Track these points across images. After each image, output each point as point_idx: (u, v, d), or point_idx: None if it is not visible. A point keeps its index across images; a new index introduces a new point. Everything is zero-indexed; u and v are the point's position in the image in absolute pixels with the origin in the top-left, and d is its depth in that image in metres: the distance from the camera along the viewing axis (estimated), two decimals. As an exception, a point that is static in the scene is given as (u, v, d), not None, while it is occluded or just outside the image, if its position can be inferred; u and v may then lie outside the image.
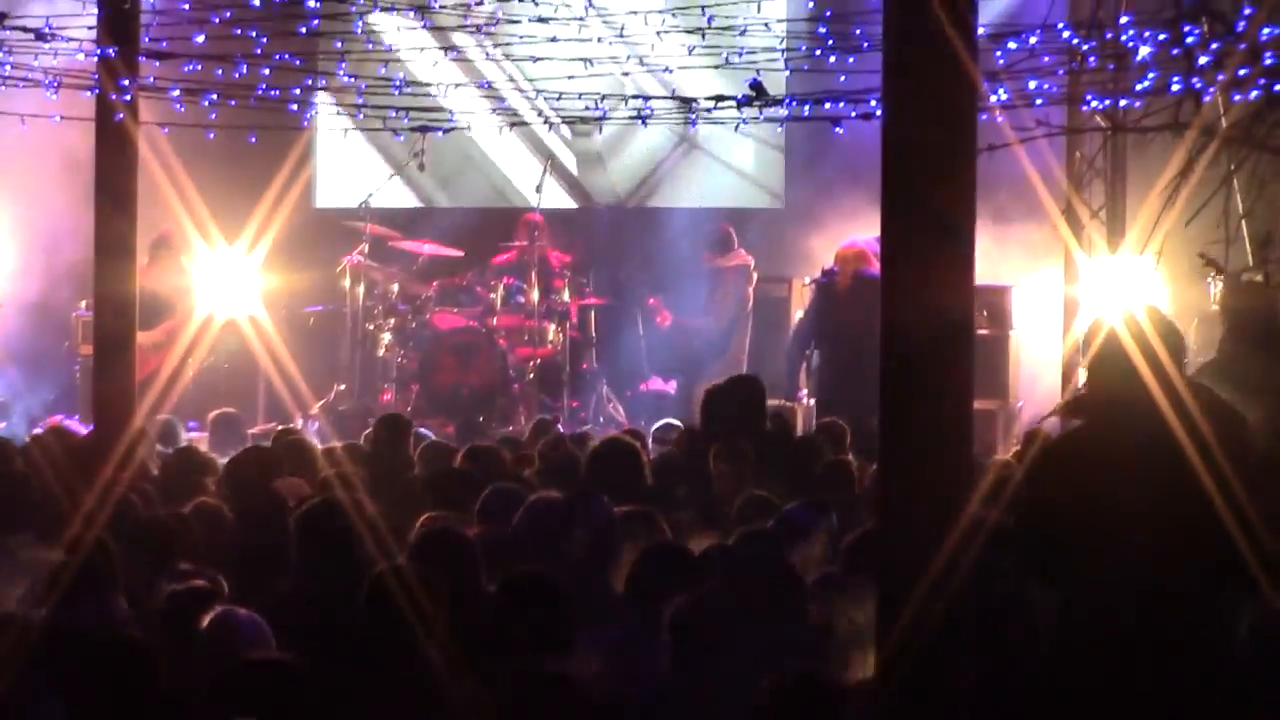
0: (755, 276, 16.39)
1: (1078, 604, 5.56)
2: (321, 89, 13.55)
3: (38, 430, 13.22)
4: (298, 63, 12.91)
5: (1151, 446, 5.55)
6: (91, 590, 6.69)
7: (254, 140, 13.19)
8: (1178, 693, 5.51)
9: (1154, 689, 5.51)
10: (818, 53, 12.89)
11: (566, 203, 17.66)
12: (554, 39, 12.67)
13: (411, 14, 13.16)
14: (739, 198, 17.86)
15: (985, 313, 14.91)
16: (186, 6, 12.74)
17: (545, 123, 13.88)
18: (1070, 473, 5.60)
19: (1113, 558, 5.51)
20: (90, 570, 6.79)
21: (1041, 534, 5.61)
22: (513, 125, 14.21)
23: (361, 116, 13.59)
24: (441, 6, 13.24)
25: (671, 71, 13.23)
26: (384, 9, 13.22)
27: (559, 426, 12.59)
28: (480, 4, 12.83)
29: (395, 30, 13.84)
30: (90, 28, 11.80)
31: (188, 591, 6.46)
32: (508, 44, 12.89)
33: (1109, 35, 12.42)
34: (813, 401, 14.89)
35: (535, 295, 15.88)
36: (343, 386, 16.05)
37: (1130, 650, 5.51)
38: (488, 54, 13.29)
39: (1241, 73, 11.13)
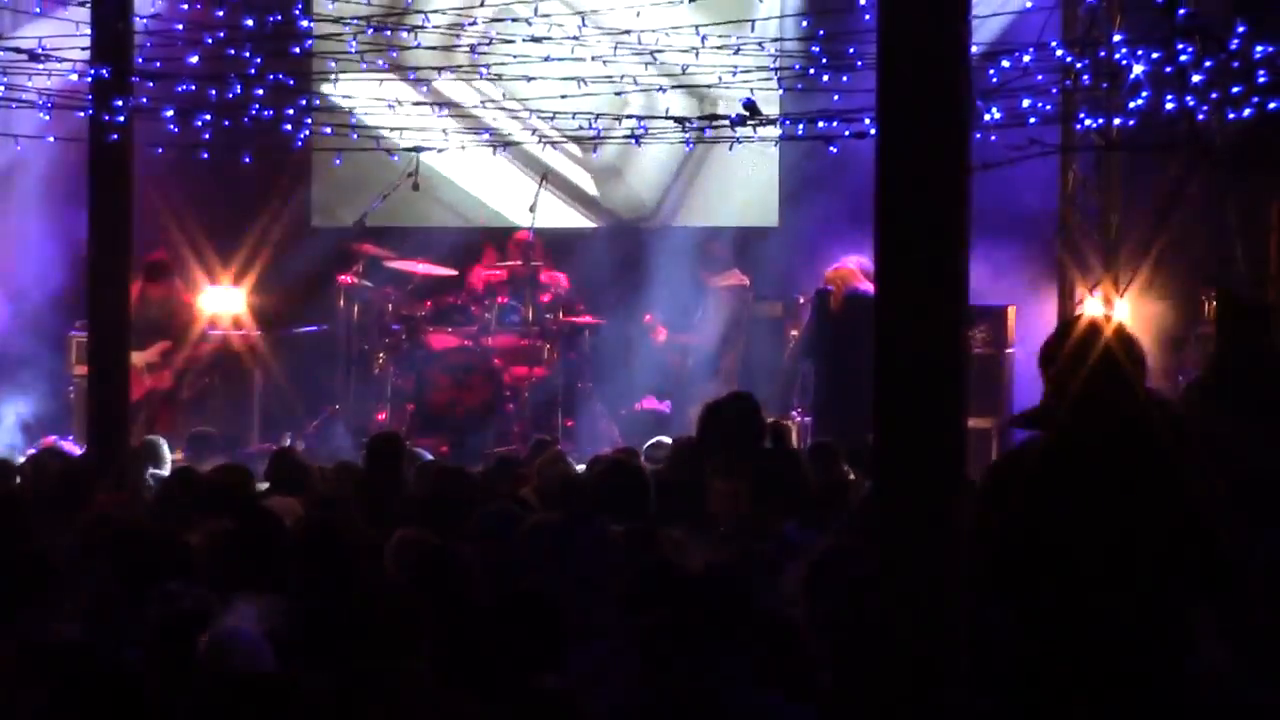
0: (751, 295, 16.40)
1: (1035, 617, 5.54)
2: (315, 109, 13.55)
3: (32, 450, 13.23)
4: (291, 83, 12.92)
5: (1110, 457, 5.56)
6: (64, 606, 6.70)
7: (248, 160, 13.19)
8: (1136, 707, 5.51)
9: (1112, 705, 5.52)
10: (811, 71, 12.91)
11: (565, 222, 17.62)
12: (548, 59, 12.68)
13: (405, 34, 13.16)
14: (734, 216, 17.84)
15: (983, 332, 14.91)
16: (180, 27, 12.76)
17: (540, 142, 13.87)
18: (1027, 484, 5.57)
19: (1071, 571, 5.53)
20: (68, 586, 6.80)
21: (998, 547, 5.59)
22: (506, 145, 14.20)
23: (355, 136, 13.58)
24: (435, 27, 13.25)
25: (665, 90, 13.22)
26: (377, 29, 13.21)
27: (558, 447, 12.56)
28: (474, 24, 12.84)
29: (389, 54, 13.84)
30: (84, 48, 11.81)
31: (181, 610, 6.44)
32: (502, 64, 12.89)
33: (1102, 53, 12.45)
34: (806, 419, 14.90)
35: (530, 314, 15.87)
36: (337, 406, 16.04)
37: (1089, 666, 5.51)
38: (481, 74, 13.27)
39: (1235, 90, 11.16)
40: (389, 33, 13.53)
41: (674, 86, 13.14)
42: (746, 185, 17.67)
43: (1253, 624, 5.86)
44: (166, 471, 11.43)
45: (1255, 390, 8.61)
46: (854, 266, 14.41)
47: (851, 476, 10.35)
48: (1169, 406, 5.86)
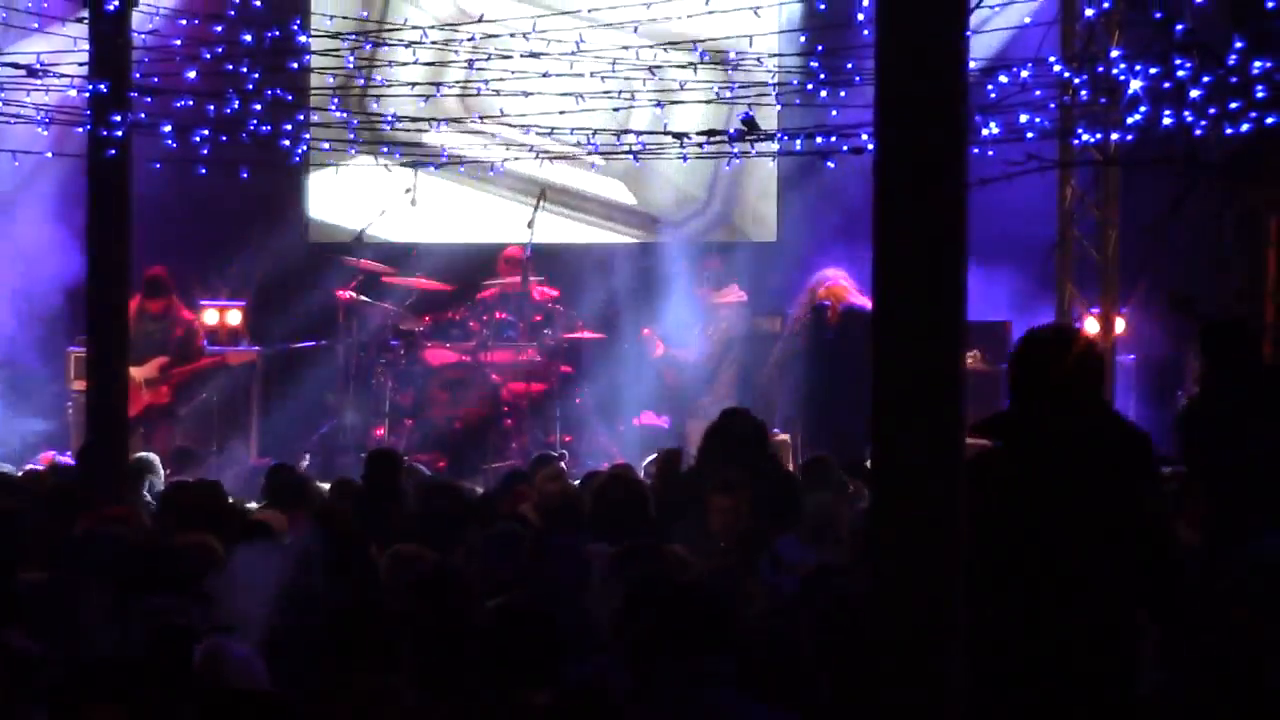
0: (749, 312, 16.40)
1: (986, 627, 5.56)
2: (313, 124, 13.53)
3: (31, 465, 13.21)
4: (289, 98, 12.91)
5: (1060, 469, 5.60)
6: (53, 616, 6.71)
7: (246, 175, 13.17)
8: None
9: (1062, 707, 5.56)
10: (809, 87, 12.90)
11: (565, 238, 17.58)
12: (546, 74, 12.67)
13: (404, 47, 13.15)
14: (732, 232, 17.85)
15: (981, 348, 14.92)
16: (178, 42, 12.75)
17: (538, 158, 13.86)
18: (977, 495, 5.58)
19: (1019, 581, 5.57)
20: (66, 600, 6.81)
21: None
22: (504, 161, 14.18)
23: (354, 151, 13.57)
24: (433, 42, 13.24)
25: (664, 106, 13.20)
26: (375, 44, 13.21)
27: (562, 464, 12.55)
28: (472, 39, 12.83)
29: (388, 66, 13.84)
30: (82, 64, 11.81)
31: (171, 625, 6.43)
32: (500, 79, 12.88)
33: (1100, 69, 12.45)
34: (784, 435, 14.87)
35: (527, 329, 15.87)
36: (335, 421, 16.03)
37: (1037, 677, 5.55)
38: (479, 90, 13.25)
39: (1232, 106, 11.15)
40: (387, 46, 13.53)
41: (672, 102, 13.13)
42: (745, 200, 17.69)
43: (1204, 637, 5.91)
44: (161, 487, 11.44)
45: (1245, 406, 8.64)
46: (845, 282, 14.44)
47: (850, 488, 10.37)
48: (1122, 419, 5.93)
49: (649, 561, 7.47)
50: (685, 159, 13.36)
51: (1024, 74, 12.16)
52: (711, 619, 5.68)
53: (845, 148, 12.29)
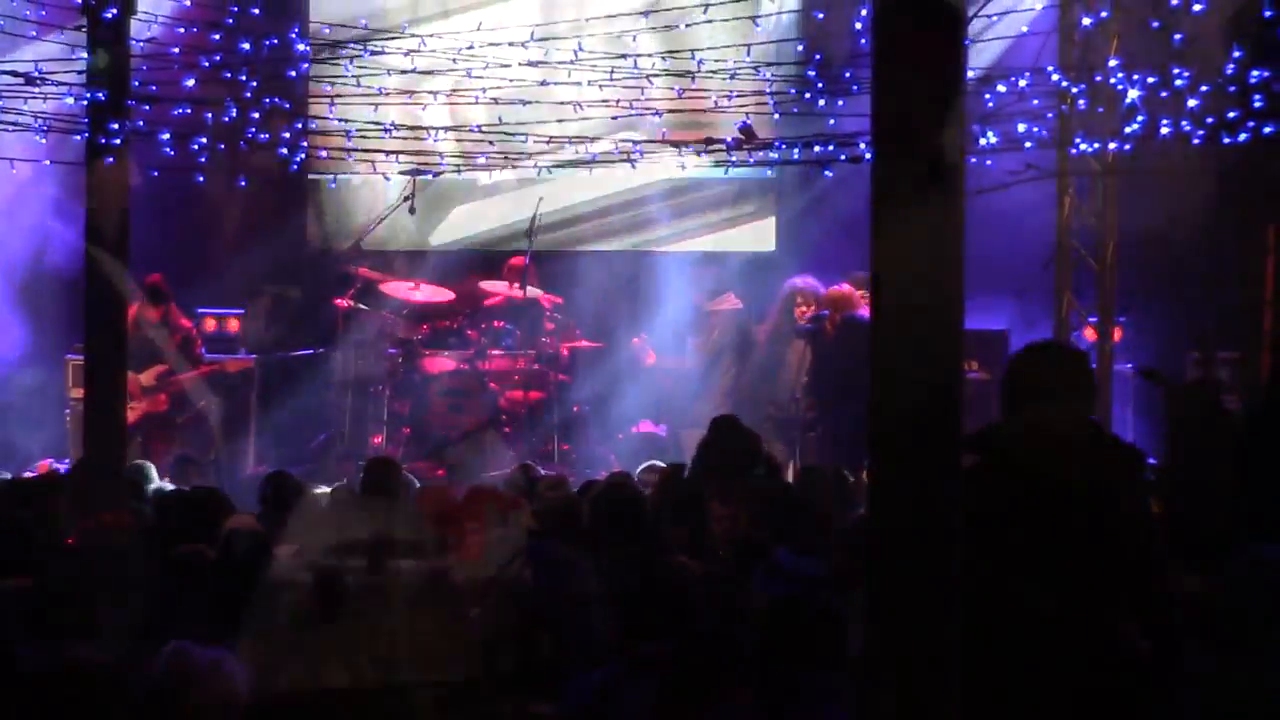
0: (747, 319, 16.39)
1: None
2: (311, 132, 13.53)
3: (29, 473, 13.19)
4: (287, 106, 12.91)
5: (1043, 486, 5.62)
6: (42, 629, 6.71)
7: (244, 184, 13.18)
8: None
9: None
10: (807, 96, 12.91)
11: (562, 245, 17.60)
12: (544, 83, 12.68)
13: (403, 55, 13.15)
14: (730, 241, 17.85)
15: (978, 358, 14.91)
16: (176, 50, 12.75)
17: (535, 167, 13.86)
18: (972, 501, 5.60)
19: (1002, 594, 5.58)
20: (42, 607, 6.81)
21: None
22: (502, 169, 14.17)
23: (352, 159, 13.57)
24: (432, 51, 13.25)
25: (661, 115, 13.21)
26: (374, 53, 13.20)
27: (539, 470, 12.50)
28: (470, 48, 12.84)
29: (385, 74, 13.82)
30: (80, 72, 11.81)
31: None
32: (497, 87, 12.89)
33: (1098, 78, 12.47)
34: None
35: (526, 338, 15.87)
36: (333, 429, 16.02)
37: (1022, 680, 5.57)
38: (476, 99, 13.26)
39: (1231, 115, 11.18)
40: (384, 54, 13.53)
41: (670, 110, 13.14)
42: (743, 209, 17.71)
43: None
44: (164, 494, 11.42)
45: (1216, 469, 8.68)
46: (850, 291, 14.44)
47: (846, 495, 10.37)
48: (1107, 434, 5.95)
49: (650, 570, 7.48)
50: (684, 168, 13.36)
51: (1022, 83, 12.18)
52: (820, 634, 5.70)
53: (843, 156, 12.30)
